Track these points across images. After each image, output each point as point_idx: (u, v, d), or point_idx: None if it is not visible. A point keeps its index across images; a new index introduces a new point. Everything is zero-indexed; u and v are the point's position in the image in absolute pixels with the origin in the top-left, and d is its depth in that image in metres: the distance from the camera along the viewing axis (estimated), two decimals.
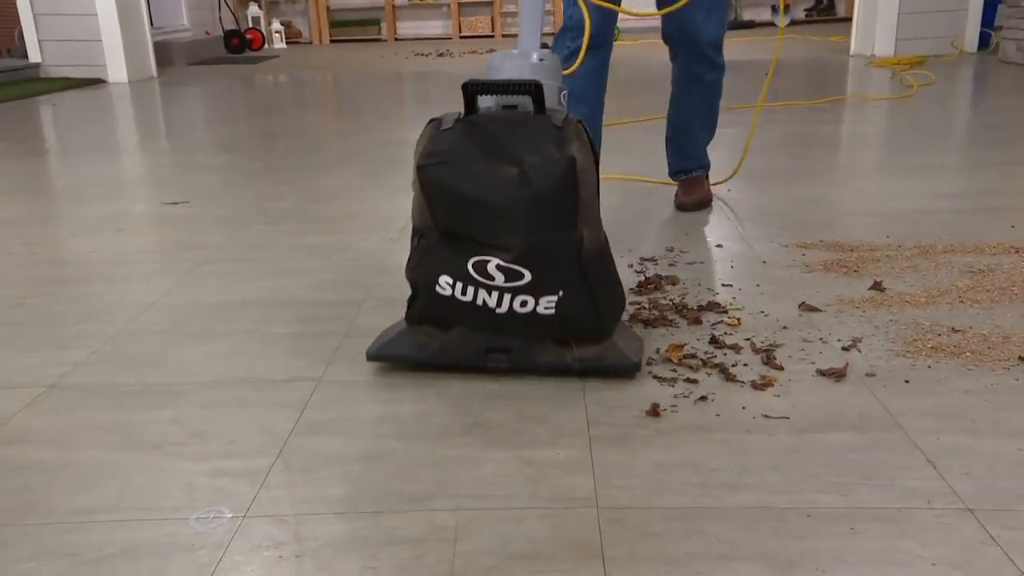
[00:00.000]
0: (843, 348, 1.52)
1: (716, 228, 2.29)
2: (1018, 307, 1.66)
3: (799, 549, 1.01)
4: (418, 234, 1.50)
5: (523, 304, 1.42)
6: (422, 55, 8.71)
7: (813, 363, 1.47)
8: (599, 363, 1.45)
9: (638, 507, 1.11)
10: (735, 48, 8.35)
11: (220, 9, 9.54)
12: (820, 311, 1.69)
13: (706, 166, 2.52)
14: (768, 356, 1.49)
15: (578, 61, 2.09)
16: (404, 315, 1.54)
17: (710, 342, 1.57)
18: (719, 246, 2.13)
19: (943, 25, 6.45)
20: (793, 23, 10.96)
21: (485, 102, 1.48)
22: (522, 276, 1.40)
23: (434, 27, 11.81)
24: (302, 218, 2.56)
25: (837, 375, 1.41)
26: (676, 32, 2.28)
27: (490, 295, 1.42)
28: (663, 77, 2.69)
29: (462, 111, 1.46)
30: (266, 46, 10.13)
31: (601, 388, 1.43)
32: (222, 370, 1.55)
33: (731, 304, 1.75)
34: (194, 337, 1.70)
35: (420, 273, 1.48)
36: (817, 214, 2.37)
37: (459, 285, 1.43)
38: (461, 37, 11.62)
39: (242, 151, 3.70)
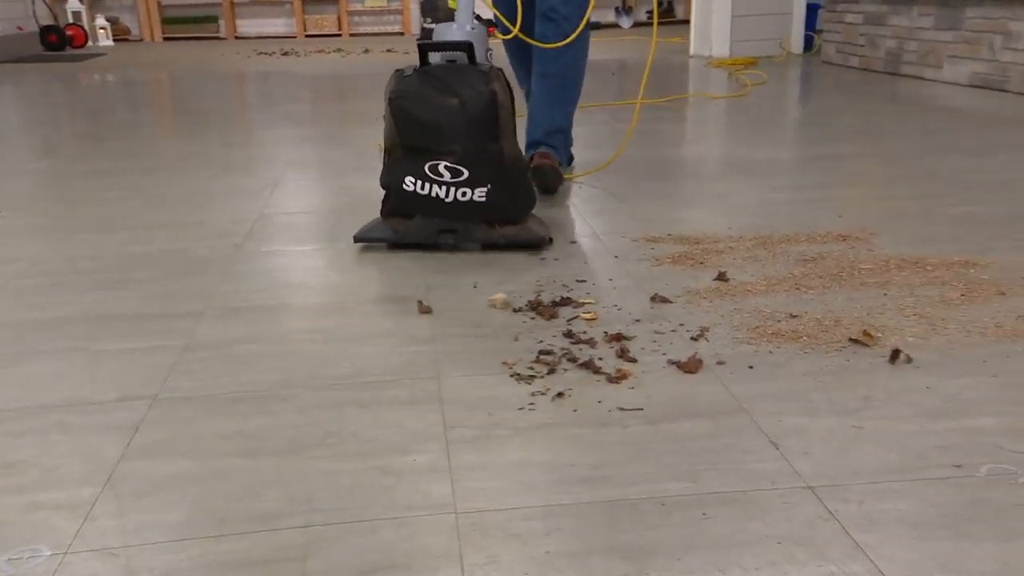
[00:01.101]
0: (692, 338, 1.57)
1: (568, 225, 2.32)
2: (847, 292, 1.76)
3: (654, 539, 1.02)
4: (387, 152, 2.12)
5: (464, 194, 2.04)
6: (265, 54, 8.44)
7: (665, 354, 1.50)
8: (518, 238, 2.08)
9: (497, 509, 1.09)
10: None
11: (34, 3, 8.89)
12: (671, 303, 1.73)
13: (551, 147, 2.70)
14: (622, 349, 1.51)
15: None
16: (380, 212, 2.16)
17: (566, 336, 1.58)
18: (572, 242, 2.16)
19: (772, 28, 6.82)
20: (635, 25, 11.31)
21: (434, 58, 2.14)
22: (462, 173, 2.03)
23: (277, 25, 11.46)
24: (134, 225, 2.41)
25: (687, 365, 1.45)
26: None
27: (440, 188, 2.04)
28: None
29: (417, 65, 2.11)
30: (89, 43, 9.53)
31: (458, 389, 1.40)
32: (39, 394, 1.42)
33: (585, 299, 1.77)
34: (3, 359, 1.56)
35: (391, 178, 2.09)
36: (664, 209, 2.44)
37: (419, 183, 2.05)
38: (307, 36, 11.33)
39: (64, 155, 3.46)
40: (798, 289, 1.78)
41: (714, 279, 1.85)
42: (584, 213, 2.42)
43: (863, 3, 5.75)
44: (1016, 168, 2.79)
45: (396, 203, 2.09)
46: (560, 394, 1.37)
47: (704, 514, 1.06)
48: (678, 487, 1.12)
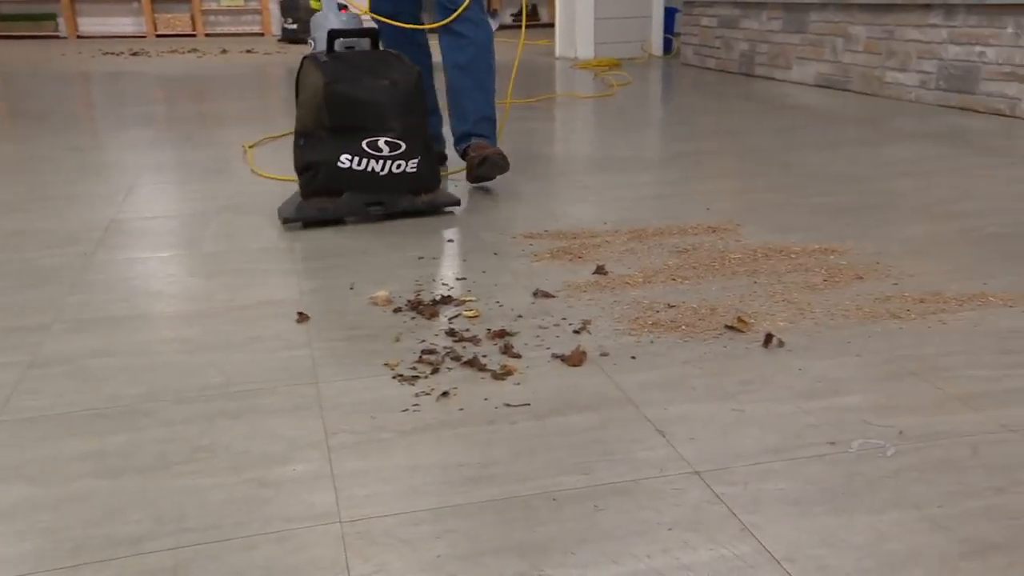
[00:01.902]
0: (574, 332, 1.56)
1: (445, 223, 2.29)
2: (720, 281, 1.81)
3: (547, 534, 1.00)
4: (303, 135, 2.26)
5: (399, 167, 2.24)
6: (113, 54, 8.00)
7: (548, 348, 1.49)
8: (437, 201, 2.34)
9: (384, 515, 1.04)
10: None
11: None
12: (552, 297, 1.73)
13: (481, 136, 2.72)
14: (506, 346, 1.49)
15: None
16: (299, 192, 2.29)
17: (448, 335, 1.55)
18: (450, 241, 2.12)
19: (633, 31, 7.01)
20: (501, 27, 11.39)
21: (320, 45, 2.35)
22: (400, 147, 2.23)
23: (124, 24, 10.89)
24: None
25: (571, 359, 1.44)
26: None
27: (378, 163, 2.22)
28: None
29: (323, 52, 2.30)
30: None
31: (338, 394, 1.35)
32: None
33: (467, 297, 1.74)
34: None
35: (321, 157, 2.21)
36: (540, 206, 2.45)
37: (356, 159, 2.21)
38: (157, 35, 10.83)
39: None
40: (674, 280, 1.81)
41: (593, 273, 1.86)
42: (460, 211, 2.40)
43: (717, 7, 5.99)
44: (861, 162, 2.96)
45: (326, 180, 2.22)
46: (445, 393, 1.34)
47: (596, 506, 1.05)
48: (569, 481, 1.11)
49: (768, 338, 1.49)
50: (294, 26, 9.83)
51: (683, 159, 3.07)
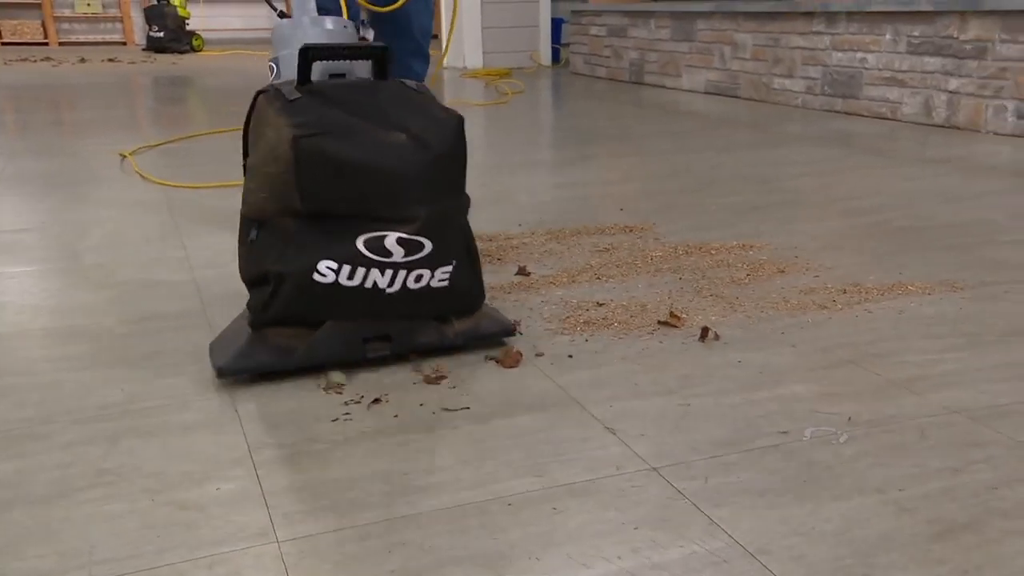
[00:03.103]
0: None
1: None
2: (645, 278, 1.78)
3: (508, 541, 0.93)
4: (257, 224, 1.34)
5: (418, 279, 1.32)
6: None
7: (481, 351, 1.42)
8: (477, 332, 1.41)
9: (326, 531, 0.95)
10: None
11: None
12: None
13: None
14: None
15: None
16: (248, 321, 1.34)
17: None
18: None
19: (521, 41, 7.04)
20: None
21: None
22: (422, 247, 1.31)
23: None
24: None
25: (506, 360, 1.37)
26: (389, 17, 1.95)
27: (383, 274, 1.30)
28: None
29: (292, 81, 1.34)
30: None
31: (259, 406, 1.23)
32: None
33: None
34: None
35: (286, 263, 1.28)
36: None
37: (345, 269, 1.29)
38: (3, 43, 10.18)
39: None
40: (599, 279, 1.77)
41: (515, 274, 1.80)
42: None
43: (605, 16, 6.07)
44: (760, 163, 3.02)
45: (293, 304, 1.29)
46: (377, 400, 1.25)
47: (555, 508, 0.99)
48: (523, 484, 1.04)
49: (704, 332, 1.46)
50: (160, 34, 9.42)
51: (589, 162, 3.06)
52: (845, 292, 1.67)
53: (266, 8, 11.71)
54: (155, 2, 9.85)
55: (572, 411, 1.22)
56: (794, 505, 0.99)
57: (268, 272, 1.30)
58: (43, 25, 10.40)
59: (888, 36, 3.89)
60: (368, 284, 1.30)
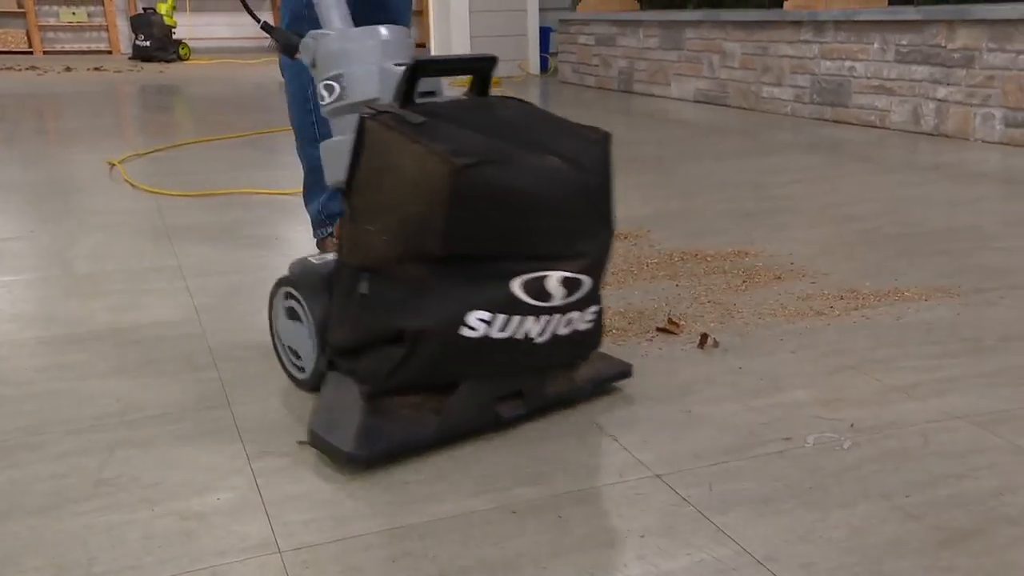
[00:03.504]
0: None
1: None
2: (641, 285, 1.77)
3: (515, 549, 0.92)
4: (363, 272, 1.10)
5: (568, 323, 1.14)
6: None
7: None
8: (601, 377, 1.26)
9: (329, 541, 0.94)
10: None
11: None
12: None
13: None
14: None
15: None
16: (364, 391, 1.11)
17: None
18: None
19: (510, 50, 7.05)
20: None
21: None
22: (580, 287, 1.14)
23: None
24: None
25: None
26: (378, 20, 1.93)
27: (537, 321, 1.10)
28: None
29: (394, 102, 1.13)
30: None
31: (257, 415, 1.22)
32: None
33: None
34: None
35: (427, 318, 1.06)
36: None
37: (499, 319, 1.08)
38: None
39: None
40: None
41: None
42: None
43: (594, 25, 6.09)
44: (751, 171, 3.03)
45: (435, 366, 1.09)
46: None
47: (560, 516, 0.98)
48: (527, 492, 1.03)
49: (703, 339, 1.46)
50: (146, 43, 9.38)
51: None
52: (842, 298, 1.67)
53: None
54: (141, 11, 9.82)
55: (573, 418, 1.21)
56: (800, 512, 0.98)
57: (401, 330, 1.07)
58: (27, 34, 10.33)
59: (876, 45, 3.92)
60: (519, 335, 1.10)
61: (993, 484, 1.03)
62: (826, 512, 0.98)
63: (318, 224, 1.94)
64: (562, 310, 1.12)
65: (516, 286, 1.08)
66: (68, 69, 8.25)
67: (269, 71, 7.95)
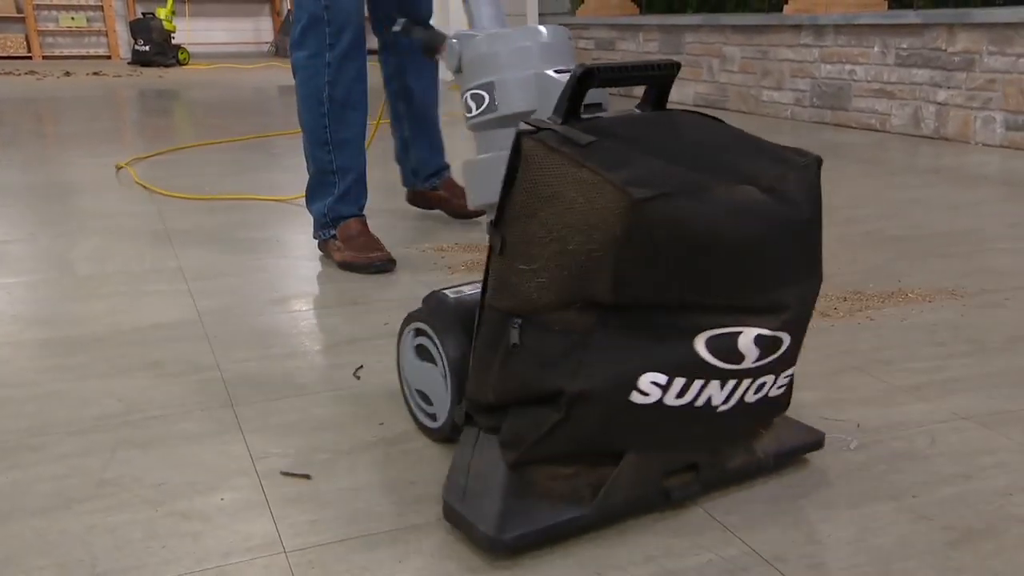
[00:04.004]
0: None
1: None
2: None
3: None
4: (519, 320, 0.91)
5: (759, 389, 0.95)
6: None
7: None
8: (787, 448, 1.06)
9: (335, 541, 0.93)
10: None
11: None
12: None
13: (448, 167, 2.31)
14: None
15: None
16: (510, 458, 0.93)
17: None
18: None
19: None
20: (370, 52, 11.27)
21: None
22: (779, 345, 0.93)
23: None
24: None
25: None
26: (397, 14, 1.97)
27: (723, 386, 0.92)
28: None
29: (555, 117, 0.93)
30: None
31: (261, 416, 1.21)
32: None
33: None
34: None
35: (590, 378, 0.88)
36: (443, 219, 2.36)
37: (678, 383, 0.90)
38: None
39: None
40: None
41: None
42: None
43: (593, 29, 6.10)
44: None
45: (596, 431, 0.92)
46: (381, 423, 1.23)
47: None
48: None
49: None
50: (146, 48, 9.37)
51: None
52: (846, 300, 1.67)
53: (252, 22, 11.71)
54: (140, 16, 9.82)
55: None
56: (808, 512, 0.98)
57: (559, 390, 0.89)
58: (27, 39, 10.33)
59: (876, 48, 3.92)
60: (700, 402, 0.92)
61: (1002, 484, 1.03)
62: (834, 512, 0.98)
63: (321, 225, 1.93)
64: (753, 374, 0.93)
65: (700, 344, 0.90)
66: (67, 74, 8.25)
67: (268, 76, 7.96)
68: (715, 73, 4.96)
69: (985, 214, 2.36)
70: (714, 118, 1.02)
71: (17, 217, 2.41)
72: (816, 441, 1.08)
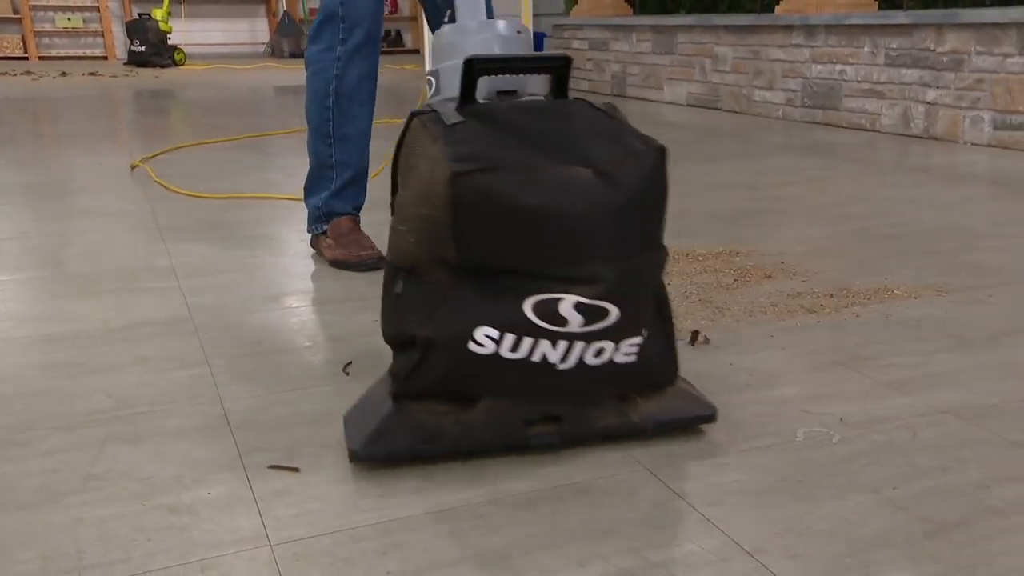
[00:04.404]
0: None
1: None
2: None
3: (505, 541, 0.92)
4: (403, 274, 1.09)
5: (598, 353, 1.06)
6: None
7: None
8: (674, 417, 1.14)
9: (320, 534, 0.94)
10: None
11: None
12: None
13: None
14: None
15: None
16: (390, 390, 1.08)
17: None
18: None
19: None
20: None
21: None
22: (607, 315, 1.04)
23: None
24: None
25: None
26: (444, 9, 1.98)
27: (555, 347, 1.04)
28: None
29: (452, 100, 1.10)
30: None
31: (249, 411, 1.22)
32: None
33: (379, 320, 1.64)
34: None
35: (437, 327, 1.04)
36: None
37: (508, 338, 1.03)
38: None
39: None
40: None
41: None
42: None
43: (587, 30, 6.11)
44: (744, 172, 3.04)
45: (444, 376, 1.06)
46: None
47: (552, 510, 0.98)
48: (519, 486, 1.03)
49: (694, 335, 1.47)
50: (142, 48, 9.38)
51: None
52: (832, 296, 1.68)
53: (248, 23, 11.70)
54: (136, 16, 9.82)
55: None
56: (789, 504, 0.99)
57: (417, 336, 1.05)
58: (23, 39, 10.32)
59: (866, 48, 3.94)
60: (535, 358, 1.04)
61: (979, 476, 1.04)
62: (814, 504, 0.99)
63: (314, 220, 1.95)
64: (584, 338, 1.04)
65: (528, 306, 1.02)
66: (63, 74, 8.24)
67: (264, 76, 7.96)
68: (707, 73, 4.97)
69: (972, 212, 2.38)
70: (602, 108, 1.14)
71: (12, 215, 2.41)
72: (707, 415, 1.15)
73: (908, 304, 1.64)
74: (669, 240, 2.11)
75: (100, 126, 4.39)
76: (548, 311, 1.02)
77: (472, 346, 1.03)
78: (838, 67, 4.10)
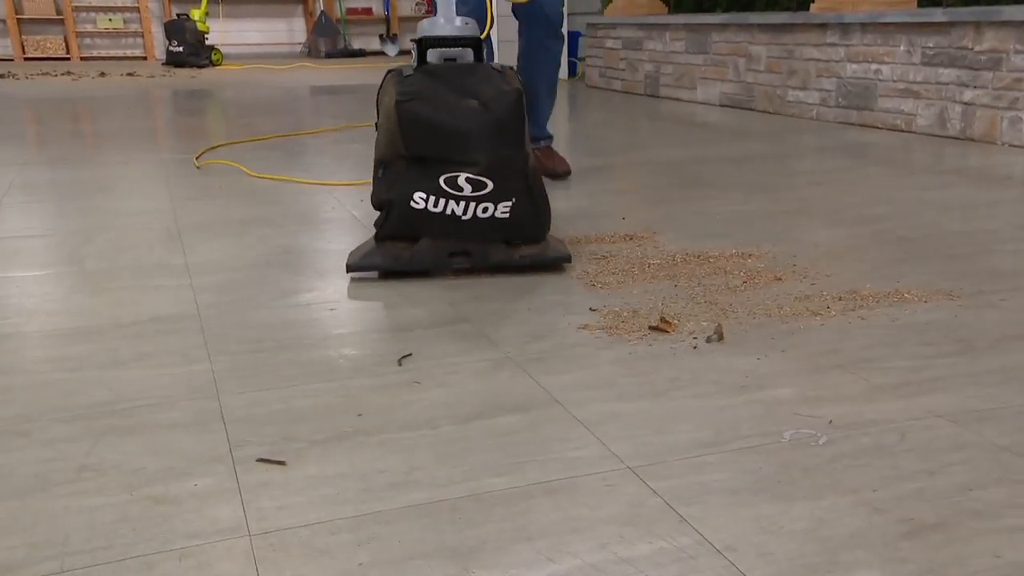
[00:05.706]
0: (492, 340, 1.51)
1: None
2: (640, 285, 1.78)
3: (478, 536, 0.93)
4: (382, 165, 1.82)
5: (484, 210, 1.76)
6: None
7: (471, 354, 1.43)
8: (541, 257, 1.82)
9: (298, 526, 0.96)
10: (350, 74, 8.45)
11: None
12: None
13: (549, 137, 2.97)
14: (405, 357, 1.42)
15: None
16: (374, 235, 1.84)
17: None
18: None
19: None
20: (401, 52, 11.36)
21: (430, 56, 1.85)
22: (485, 186, 1.74)
23: None
24: None
25: (490, 363, 1.38)
26: (527, 7, 2.70)
27: (458, 204, 1.75)
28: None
29: (414, 64, 1.84)
30: None
31: (244, 407, 1.25)
32: None
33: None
34: None
35: (394, 194, 1.78)
36: None
37: (432, 198, 1.75)
38: (26, 59, 10.36)
39: None
40: (594, 285, 1.77)
41: None
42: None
43: (620, 29, 6.09)
44: (770, 173, 3.01)
45: (400, 223, 1.77)
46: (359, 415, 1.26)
47: (528, 506, 0.99)
48: (499, 482, 1.04)
49: (719, 331, 1.46)
50: (179, 48, 9.55)
51: (597, 173, 3.07)
52: (840, 299, 1.66)
53: (285, 23, 11.86)
54: (175, 17, 10.01)
55: (554, 412, 1.22)
56: (766, 504, 0.98)
57: (386, 199, 1.79)
58: (66, 40, 10.58)
59: (902, 47, 3.88)
60: (448, 211, 1.75)
61: (963, 480, 1.02)
62: (791, 504, 0.98)
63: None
64: (476, 200, 1.75)
65: (441, 180, 1.75)
66: (102, 74, 8.44)
67: (299, 76, 8.07)
68: (741, 73, 4.92)
69: (999, 215, 2.33)
70: (488, 66, 1.82)
71: (40, 213, 2.48)
72: (563, 256, 1.84)
73: (917, 308, 1.61)
74: (684, 242, 2.10)
75: (134, 126, 4.49)
76: (452, 182, 1.74)
77: (412, 203, 1.76)
78: (873, 66, 4.04)
